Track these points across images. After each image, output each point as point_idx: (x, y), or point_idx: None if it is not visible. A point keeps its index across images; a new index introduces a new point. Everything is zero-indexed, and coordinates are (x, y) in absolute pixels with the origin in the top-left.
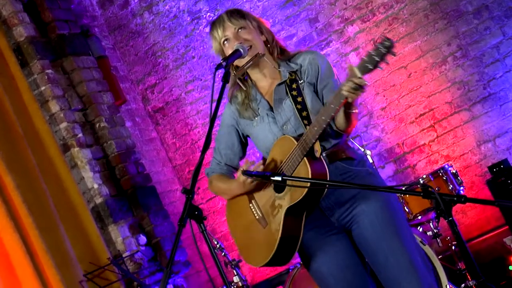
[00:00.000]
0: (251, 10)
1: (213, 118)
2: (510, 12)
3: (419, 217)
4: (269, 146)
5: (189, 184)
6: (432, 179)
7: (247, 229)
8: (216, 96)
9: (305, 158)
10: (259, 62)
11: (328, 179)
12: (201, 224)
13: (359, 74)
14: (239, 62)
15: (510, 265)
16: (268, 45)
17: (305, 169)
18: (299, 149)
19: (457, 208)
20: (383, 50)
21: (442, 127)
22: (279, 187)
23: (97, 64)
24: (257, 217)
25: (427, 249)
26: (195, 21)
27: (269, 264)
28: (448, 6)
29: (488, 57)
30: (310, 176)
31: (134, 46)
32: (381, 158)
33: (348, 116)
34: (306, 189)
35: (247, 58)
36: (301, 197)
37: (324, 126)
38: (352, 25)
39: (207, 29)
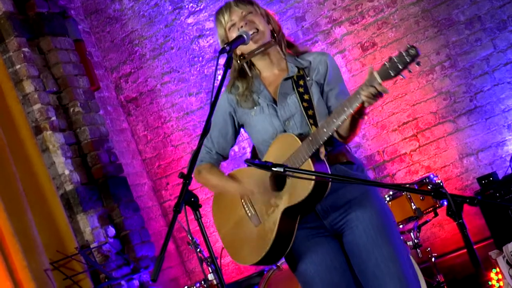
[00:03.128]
0: None
1: (213, 103)
2: (503, 24)
3: (401, 226)
4: (267, 139)
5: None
6: (416, 187)
7: (236, 226)
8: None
9: (309, 159)
10: (267, 50)
11: (330, 182)
12: (197, 212)
13: (379, 80)
14: (246, 49)
15: (490, 280)
16: (275, 35)
17: (308, 169)
18: (304, 148)
19: (434, 221)
20: (408, 58)
21: (425, 137)
22: (279, 185)
23: (74, 47)
24: (249, 214)
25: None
26: (177, 10)
27: (258, 263)
28: (440, 14)
29: (477, 69)
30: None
31: (111, 32)
32: None
33: (355, 122)
34: (308, 192)
35: (252, 44)
36: (301, 199)
37: (335, 128)
38: (339, 27)
39: (189, 20)
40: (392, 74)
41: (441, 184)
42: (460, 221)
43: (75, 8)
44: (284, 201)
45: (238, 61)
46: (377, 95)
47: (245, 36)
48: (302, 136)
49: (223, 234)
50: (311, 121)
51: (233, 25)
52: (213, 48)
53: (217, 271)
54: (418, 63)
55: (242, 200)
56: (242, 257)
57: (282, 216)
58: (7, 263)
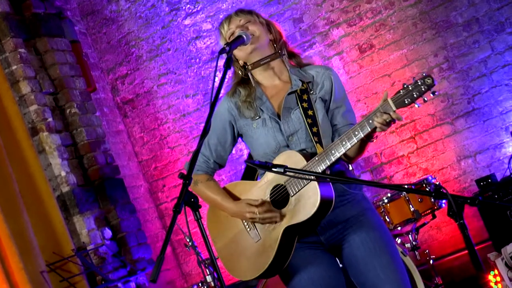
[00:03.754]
0: (233, 5)
1: (213, 103)
2: (501, 27)
3: (399, 228)
4: (269, 153)
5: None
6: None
7: (234, 239)
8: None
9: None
10: (272, 62)
11: (334, 201)
12: (197, 212)
13: (394, 108)
14: (244, 56)
15: (488, 282)
16: (275, 45)
17: (314, 191)
18: (310, 168)
19: (432, 223)
20: (423, 88)
21: (423, 139)
22: (280, 204)
23: (71, 48)
24: (248, 229)
25: (408, 260)
26: (174, 12)
27: (256, 278)
28: (438, 16)
29: (474, 71)
30: (319, 199)
31: (107, 33)
32: (358, 167)
33: (363, 145)
34: (313, 213)
35: (249, 47)
36: (306, 218)
37: (344, 151)
38: (337, 28)
39: (186, 22)
40: (407, 102)
41: (439, 185)
42: (461, 221)
43: (71, 9)
44: (286, 219)
45: (240, 71)
46: (391, 122)
47: (244, 36)
48: (305, 153)
49: (220, 247)
50: (316, 138)
51: (232, 33)
52: (210, 49)
53: (217, 272)
54: (433, 93)
55: None
56: (239, 272)
57: (284, 233)
58: (4, 265)
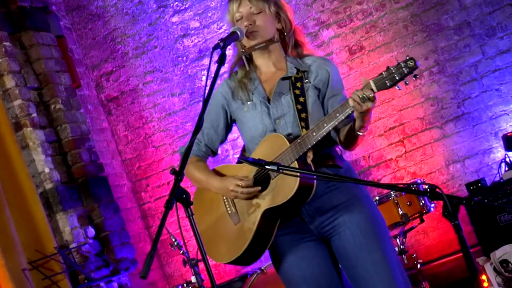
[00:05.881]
0: (222, 3)
1: (206, 100)
2: (492, 31)
3: None
4: (256, 136)
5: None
6: (403, 193)
7: (216, 222)
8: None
9: (295, 161)
10: (268, 47)
11: (315, 187)
12: (188, 209)
13: (375, 89)
14: (247, 43)
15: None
16: (284, 33)
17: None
18: (292, 151)
19: (419, 228)
20: (406, 70)
21: (411, 143)
22: (261, 185)
23: (57, 42)
24: (229, 211)
25: None
26: (161, 9)
27: (233, 262)
28: (429, 19)
29: (465, 75)
30: (297, 182)
31: (93, 29)
32: None
33: (354, 137)
34: (291, 194)
35: (248, 41)
36: (284, 201)
37: (325, 134)
38: (327, 29)
39: (174, 19)
40: (388, 84)
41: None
42: (456, 222)
43: (57, 4)
44: (266, 202)
45: (242, 50)
46: (365, 100)
47: (238, 32)
48: (291, 137)
49: (202, 230)
50: (303, 124)
51: (240, 19)
52: (197, 48)
53: (207, 269)
54: (415, 76)
55: (224, 197)
56: (218, 254)
57: (262, 217)
58: None
